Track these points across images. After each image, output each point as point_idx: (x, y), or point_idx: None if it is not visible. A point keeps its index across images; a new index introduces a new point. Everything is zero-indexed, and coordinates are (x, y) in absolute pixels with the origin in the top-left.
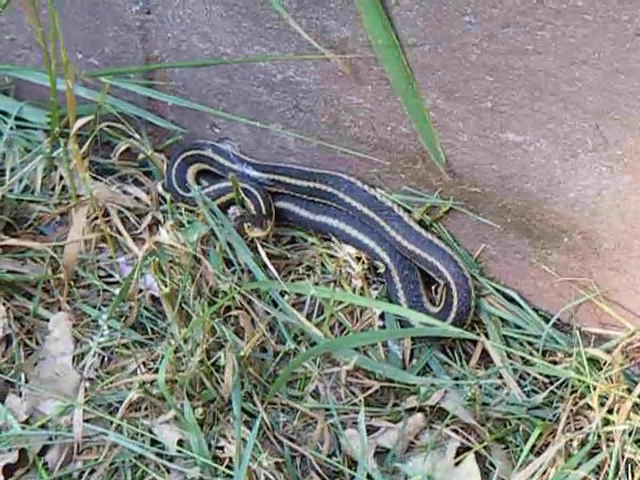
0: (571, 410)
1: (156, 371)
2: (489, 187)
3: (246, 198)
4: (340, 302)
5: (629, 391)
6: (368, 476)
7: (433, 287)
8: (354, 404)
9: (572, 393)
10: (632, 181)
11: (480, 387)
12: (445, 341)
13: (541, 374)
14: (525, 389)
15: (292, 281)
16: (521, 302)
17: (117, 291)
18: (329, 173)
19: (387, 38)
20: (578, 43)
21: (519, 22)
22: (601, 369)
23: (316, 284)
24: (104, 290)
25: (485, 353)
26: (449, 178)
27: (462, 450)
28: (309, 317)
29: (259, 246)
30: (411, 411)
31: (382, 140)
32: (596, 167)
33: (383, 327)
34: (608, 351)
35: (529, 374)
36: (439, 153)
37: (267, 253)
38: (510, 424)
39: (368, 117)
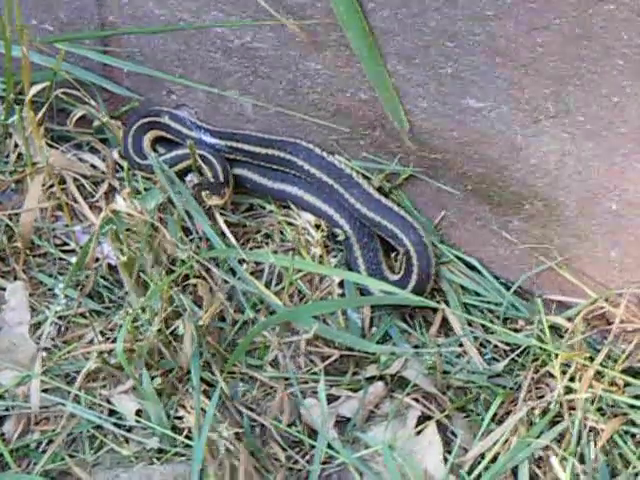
0: (532, 378)
1: (114, 340)
2: (449, 154)
3: (204, 165)
4: (299, 270)
5: (591, 359)
6: (328, 445)
7: (393, 255)
8: (314, 373)
9: (534, 361)
10: (594, 147)
11: (441, 355)
12: (405, 309)
13: (502, 342)
14: (486, 357)
15: (251, 249)
16: (482, 270)
17: (74, 260)
18: (287, 140)
19: (349, 4)
20: (539, 8)
21: None
22: (562, 337)
23: (275, 252)
24: (60, 259)
25: (445, 321)
26: (411, 144)
27: (423, 419)
28: (268, 285)
29: (217, 214)
30: (371, 380)
31: (341, 106)
32: (557, 133)
33: (343, 295)
34: (569, 319)
35: (490, 342)
36: (402, 120)
37: (225, 221)
38: (471, 392)
39: (327, 83)
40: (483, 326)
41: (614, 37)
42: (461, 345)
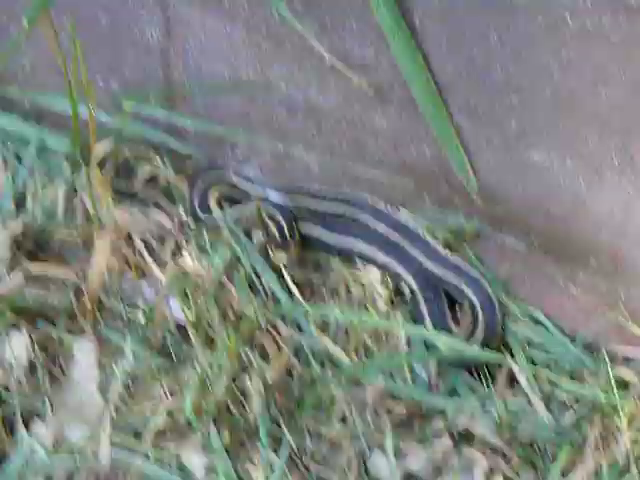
0: (599, 432)
1: (182, 397)
2: (514, 208)
3: (269, 222)
4: (366, 326)
5: None
6: None
7: (459, 310)
8: (381, 428)
9: (600, 415)
10: None
11: (507, 409)
12: (471, 364)
13: (568, 395)
14: (553, 411)
15: (317, 304)
16: (547, 323)
17: (141, 317)
18: (353, 196)
19: (414, 60)
20: (603, 62)
21: (543, 41)
22: (629, 390)
23: (341, 307)
24: (128, 316)
25: (511, 375)
26: (478, 201)
27: (490, 473)
28: (335, 341)
29: (283, 270)
30: (438, 434)
31: (405, 162)
32: (622, 186)
33: (409, 350)
34: (637, 372)
35: (556, 396)
36: (469, 177)
37: (291, 277)
38: (538, 447)
39: (391, 139)
40: (549, 380)
41: None
42: (527, 399)
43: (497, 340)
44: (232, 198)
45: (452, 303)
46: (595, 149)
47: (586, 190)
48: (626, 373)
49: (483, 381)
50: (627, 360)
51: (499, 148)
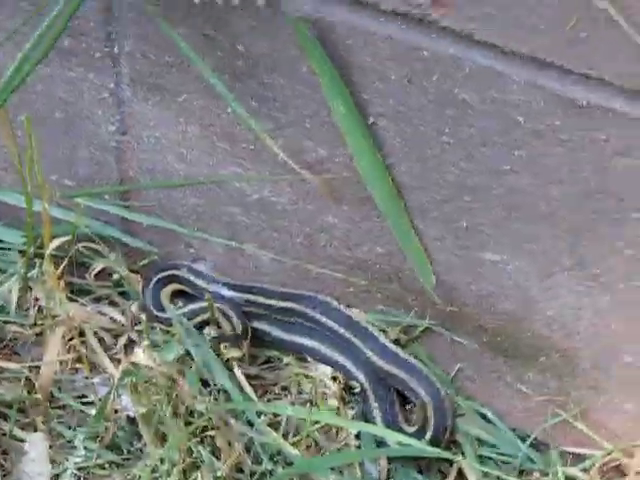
0: None
1: None
2: (466, 306)
3: (221, 318)
4: (316, 422)
5: None
6: None
7: (409, 407)
8: None
9: None
10: (609, 300)
11: None
12: (422, 461)
13: None
14: None
15: (268, 401)
16: (497, 421)
17: (93, 411)
18: (304, 293)
19: (371, 159)
20: (555, 163)
21: (496, 142)
22: None
23: (292, 404)
24: (80, 411)
25: (461, 473)
26: (437, 299)
27: None
28: (285, 437)
29: (235, 366)
30: None
31: (358, 260)
32: (573, 286)
33: (359, 447)
34: (585, 470)
35: None
36: (429, 276)
37: (243, 373)
38: None
39: (344, 237)
40: (498, 478)
41: (629, 191)
42: None
43: (447, 437)
44: (185, 294)
45: (403, 400)
46: (546, 249)
47: (537, 289)
48: (575, 472)
49: (433, 479)
50: (576, 458)
51: (452, 247)
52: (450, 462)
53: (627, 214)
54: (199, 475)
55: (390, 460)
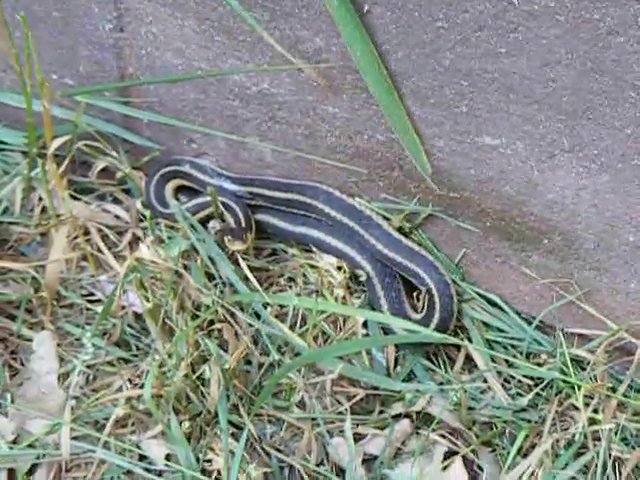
0: (556, 411)
1: (141, 387)
2: (467, 192)
3: (225, 212)
4: (322, 312)
5: (613, 390)
6: None
7: (415, 294)
8: (340, 413)
9: (557, 394)
10: (609, 180)
11: (465, 391)
12: (429, 347)
13: (525, 376)
14: (510, 392)
15: (274, 293)
16: (503, 305)
17: (100, 309)
18: (307, 184)
19: (365, 47)
20: (551, 44)
21: (491, 25)
22: (585, 369)
23: (298, 295)
24: (87, 308)
25: (469, 358)
26: (433, 185)
27: (449, 455)
28: (292, 328)
29: (240, 259)
30: (397, 418)
31: (359, 149)
32: (573, 168)
33: (367, 335)
34: (591, 351)
35: (514, 377)
36: (424, 162)
37: (248, 266)
38: (496, 427)
39: (344, 126)
40: (506, 361)
41: (625, 70)
42: (485, 381)
43: (454, 323)
44: (189, 190)
45: (408, 288)
46: (545, 132)
47: (538, 172)
48: (582, 353)
49: (441, 365)
50: (582, 340)
51: (451, 133)
52: (458, 347)
53: (624, 93)
54: (207, 368)
55: (397, 348)
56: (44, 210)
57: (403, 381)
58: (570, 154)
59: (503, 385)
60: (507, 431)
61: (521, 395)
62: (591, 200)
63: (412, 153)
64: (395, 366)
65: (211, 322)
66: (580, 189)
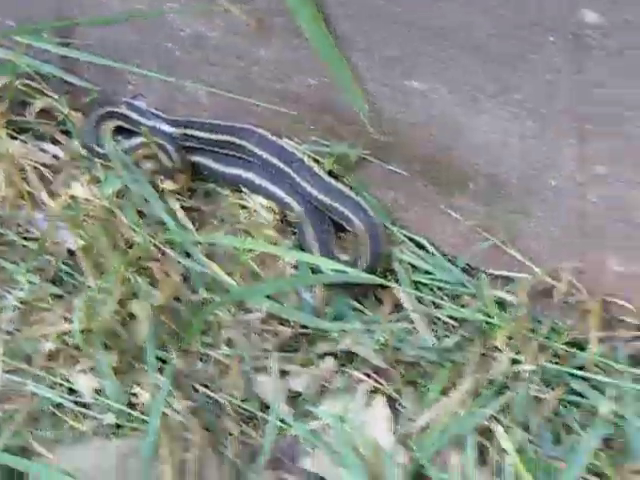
0: (480, 352)
1: (72, 322)
2: (397, 136)
3: (160, 152)
4: (252, 251)
5: (534, 331)
6: (281, 420)
7: (344, 236)
8: (267, 350)
9: (480, 335)
10: (533, 125)
11: (391, 332)
12: (357, 289)
13: (451, 318)
14: (437, 334)
15: (205, 232)
16: (431, 248)
17: (35, 246)
18: (240, 126)
19: None
20: None
21: None
22: (508, 311)
23: (229, 234)
24: (23, 246)
25: (397, 300)
26: (370, 127)
27: (373, 393)
28: (222, 267)
29: (173, 199)
30: (323, 356)
31: (290, 92)
32: (498, 113)
33: (295, 275)
34: (514, 293)
35: (439, 318)
36: (361, 103)
37: (181, 206)
38: (421, 367)
39: (275, 70)
40: (433, 303)
41: (545, 15)
42: (412, 322)
43: (382, 265)
44: (126, 131)
45: (338, 229)
46: (470, 77)
47: (464, 117)
48: (505, 295)
49: (369, 306)
50: (506, 282)
51: (381, 77)
52: (385, 289)
53: (544, 37)
54: (136, 305)
55: (327, 289)
56: None
57: (331, 321)
58: (494, 99)
59: (429, 326)
60: (431, 371)
61: (447, 337)
62: (515, 145)
63: (348, 94)
64: (323, 307)
65: (142, 260)
66: (505, 134)
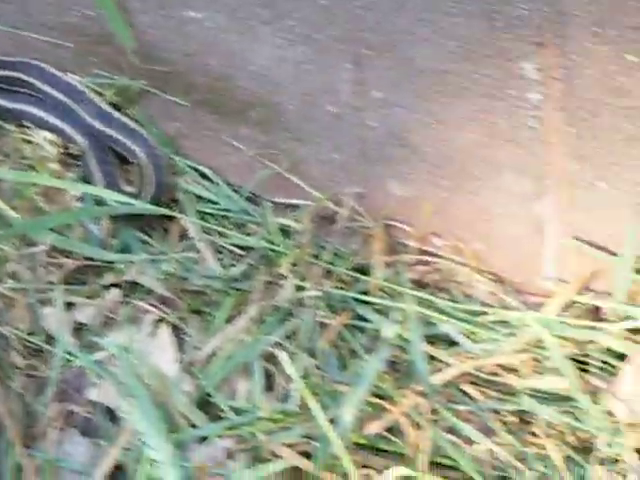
0: (266, 279)
1: None
2: (176, 66)
3: None
4: (37, 185)
5: (318, 257)
6: (67, 352)
7: (129, 168)
8: (52, 283)
9: (266, 263)
10: (308, 51)
11: (178, 262)
12: (143, 220)
13: (237, 246)
14: (223, 262)
15: None
16: (215, 178)
17: None
18: (20, 60)
19: None
20: None
21: None
22: (292, 238)
23: (13, 169)
24: None
25: (184, 231)
26: (136, 61)
27: (159, 323)
28: (6, 202)
29: None
30: (109, 288)
31: (69, 24)
32: (273, 40)
33: (80, 208)
34: (297, 220)
35: (225, 247)
36: (127, 37)
37: None
38: (207, 296)
39: (55, 3)
40: (219, 232)
41: None
42: (198, 252)
43: (167, 196)
44: None
45: (123, 162)
46: (243, 3)
47: (239, 45)
48: (288, 222)
49: (156, 238)
50: (290, 209)
51: (155, 7)
52: (171, 219)
53: None
54: None
55: (112, 221)
56: None
57: (117, 253)
58: (269, 26)
59: (215, 256)
60: (217, 300)
61: (233, 265)
62: (291, 71)
63: (116, 28)
64: (110, 239)
65: None
66: (281, 60)
